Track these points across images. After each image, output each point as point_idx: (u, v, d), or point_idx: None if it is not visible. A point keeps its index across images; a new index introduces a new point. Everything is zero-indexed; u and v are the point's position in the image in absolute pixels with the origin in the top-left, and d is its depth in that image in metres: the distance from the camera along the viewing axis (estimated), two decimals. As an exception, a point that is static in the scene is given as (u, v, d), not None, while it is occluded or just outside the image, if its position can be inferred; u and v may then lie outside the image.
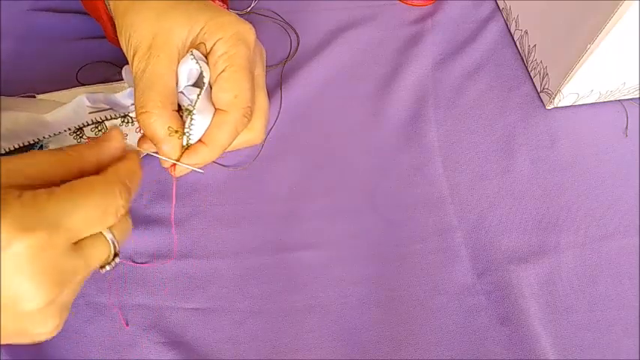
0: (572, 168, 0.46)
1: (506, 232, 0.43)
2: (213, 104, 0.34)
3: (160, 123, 0.33)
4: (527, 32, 0.51)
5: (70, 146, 0.28)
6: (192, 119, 0.33)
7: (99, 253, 0.27)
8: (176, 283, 0.40)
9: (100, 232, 0.26)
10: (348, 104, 0.49)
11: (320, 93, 0.49)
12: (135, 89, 0.34)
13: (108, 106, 0.41)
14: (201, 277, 0.40)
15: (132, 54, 0.35)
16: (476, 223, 0.43)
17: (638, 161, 0.47)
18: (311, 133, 0.47)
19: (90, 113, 0.40)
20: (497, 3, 0.56)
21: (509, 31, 0.54)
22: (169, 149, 0.33)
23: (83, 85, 0.45)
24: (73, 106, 0.40)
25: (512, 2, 0.53)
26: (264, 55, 0.40)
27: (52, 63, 0.48)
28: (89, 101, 0.40)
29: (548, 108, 0.49)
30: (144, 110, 0.33)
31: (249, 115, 0.34)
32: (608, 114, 0.50)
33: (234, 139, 0.35)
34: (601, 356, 0.39)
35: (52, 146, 0.41)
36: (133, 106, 0.40)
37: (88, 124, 0.41)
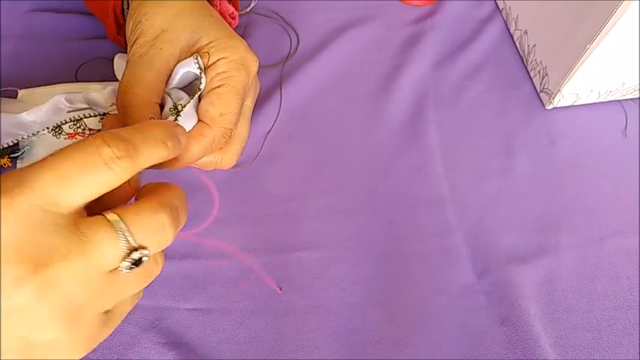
0: (572, 168, 0.46)
1: (506, 232, 0.43)
2: (197, 115, 0.34)
3: (143, 109, 0.32)
4: (526, 32, 0.51)
5: None
6: (176, 119, 0.32)
7: (100, 243, 0.20)
8: (176, 283, 0.40)
9: (105, 219, 0.20)
10: (348, 104, 0.49)
11: (320, 93, 0.49)
12: (125, 71, 0.34)
13: (86, 106, 0.41)
14: (201, 277, 0.40)
15: (134, 38, 0.35)
16: (476, 223, 0.43)
17: (638, 161, 0.47)
18: (311, 133, 0.47)
19: (68, 112, 0.40)
20: (496, 3, 0.56)
21: (509, 31, 0.54)
22: None
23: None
24: (50, 106, 0.40)
25: (512, 2, 0.53)
26: (259, 89, 0.40)
27: (52, 63, 0.47)
28: (67, 101, 0.40)
29: (548, 108, 0.49)
30: (132, 92, 0.32)
31: (227, 137, 0.35)
32: (607, 114, 0.50)
33: (204, 156, 0.35)
34: (601, 356, 0.39)
35: (31, 147, 0.41)
36: (114, 106, 0.40)
37: (66, 122, 0.41)
